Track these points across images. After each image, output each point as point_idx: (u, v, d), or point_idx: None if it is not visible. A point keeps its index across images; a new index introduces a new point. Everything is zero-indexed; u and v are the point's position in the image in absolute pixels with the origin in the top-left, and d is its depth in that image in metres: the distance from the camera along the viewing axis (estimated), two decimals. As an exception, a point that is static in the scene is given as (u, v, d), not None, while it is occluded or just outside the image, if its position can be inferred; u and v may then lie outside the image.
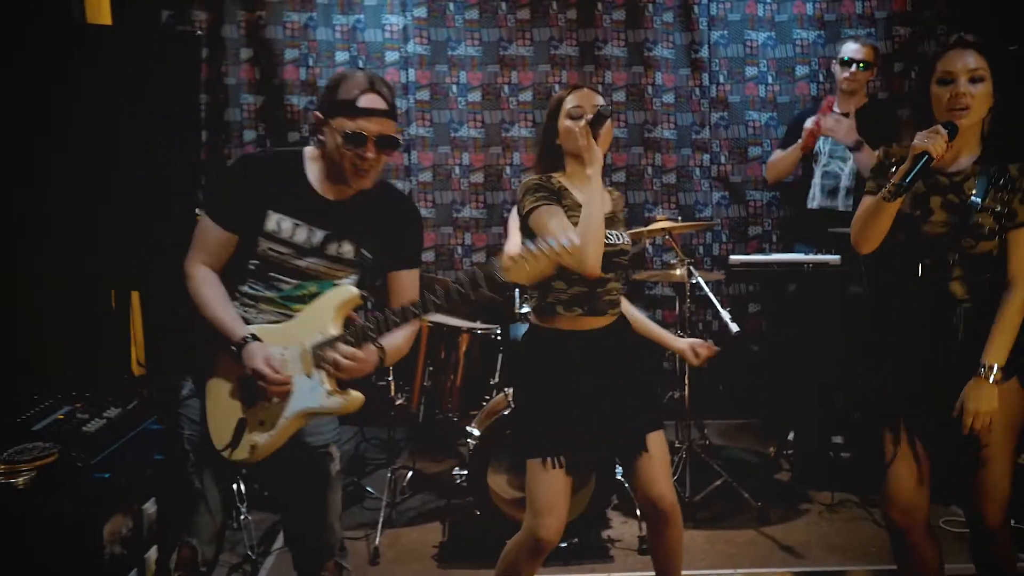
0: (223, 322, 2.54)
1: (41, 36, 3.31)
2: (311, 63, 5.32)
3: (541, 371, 2.85)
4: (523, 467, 2.87)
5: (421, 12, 5.34)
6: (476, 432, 3.82)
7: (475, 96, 5.41)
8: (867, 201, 2.65)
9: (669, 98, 5.47)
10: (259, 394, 2.49)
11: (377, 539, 3.86)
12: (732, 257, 4.38)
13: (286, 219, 2.55)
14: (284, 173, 2.58)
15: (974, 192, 2.60)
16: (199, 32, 3.27)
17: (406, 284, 2.66)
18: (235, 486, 3.96)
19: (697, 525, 4.08)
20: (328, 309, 2.48)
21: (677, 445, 4.34)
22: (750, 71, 5.47)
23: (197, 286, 2.59)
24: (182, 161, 3.34)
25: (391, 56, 5.35)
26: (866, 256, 2.70)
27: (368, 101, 2.45)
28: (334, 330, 2.45)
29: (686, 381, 4.22)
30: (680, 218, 4.89)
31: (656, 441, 2.87)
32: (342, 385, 2.47)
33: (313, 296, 2.55)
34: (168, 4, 5.16)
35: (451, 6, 5.36)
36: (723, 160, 5.53)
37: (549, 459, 2.75)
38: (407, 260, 2.68)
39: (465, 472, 3.87)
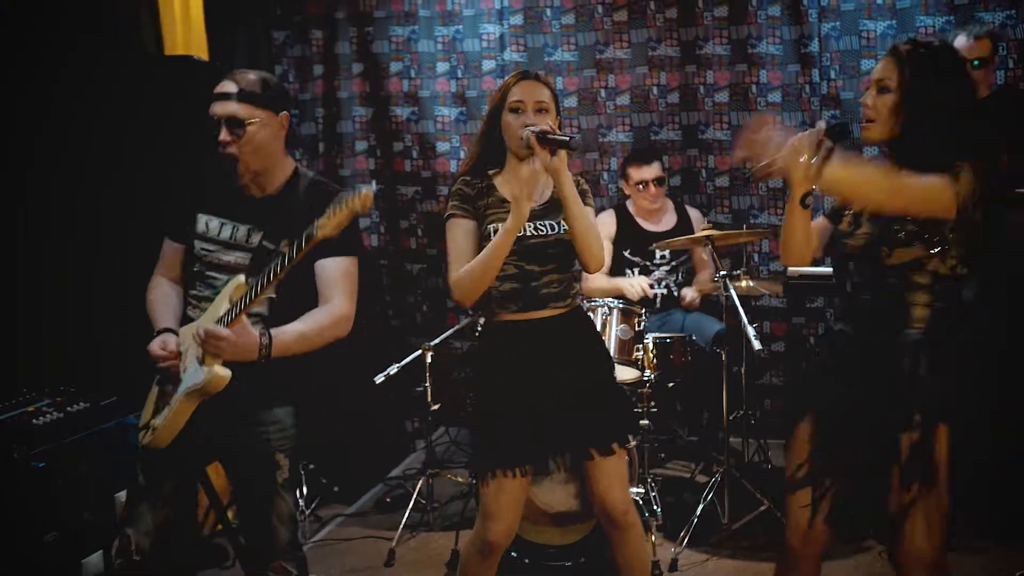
0: (153, 321, 2.78)
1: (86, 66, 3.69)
2: (413, 75, 5.49)
3: (486, 369, 2.86)
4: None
5: (518, 20, 5.36)
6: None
7: (571, 101, 5.35)
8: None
9: (775, 97, 5.13)
10: (164, 380, 2.67)
11: (395, 541, 3.95)
12: (790, 269, 4.06)
13: (213, 219, 2.74)
14: (214, 175, 2.75)
15: None
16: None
17: (330, 273, 2.67)
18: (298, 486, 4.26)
19: (733, 554, 3.84)
20: (223, 298, 2.60)
21: (715, 469, 4.08)
22: (866, 64, 5.00)
23: (147, 294, 2.85)
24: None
25: (488, 65, 5.41)
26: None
27: (220, 87, 2.63)
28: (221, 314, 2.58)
29: (723, 397, 3.97)
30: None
31: (609, 454, 2.78)
32: (230, 392, 2.56)
33: None
34: (284, 26, 5.55)
35: (548, 12, 5.33)
36: (836, 161, 5.10)
37: (494, 471, 2.74)
38: (330, 248, 2.63)
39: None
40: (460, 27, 5.42)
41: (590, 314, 3.38)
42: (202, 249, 2.75)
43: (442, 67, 5.47)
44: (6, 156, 3.46)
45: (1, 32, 3.43)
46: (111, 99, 3.54)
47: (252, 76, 2.68)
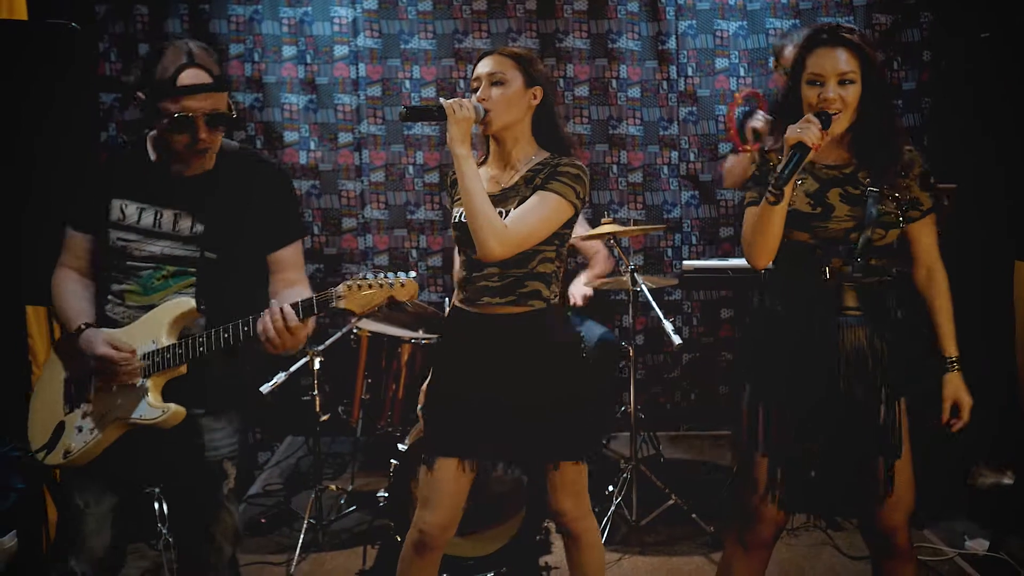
0: (65, 314, 2.45)
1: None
2: (256, 58, 5.07)
3: (438, 353, 2.76)
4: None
5: (372, 4, 5.07)
6: (403, 447, 3.54)
7: (429, 91, 5.14)
8: (751, 212, 2.45)
9: (635, 92, 5.17)
10: (83, 397, 2.42)
11: (294, 565, 3.61)
12: (686, 263, 4.09)
13: (130, 204, 2.43)
14: (129, 158, 2.46)
15: (868, 180, 2.42)
16: (73, 25, 2.96)
17: (293, 259, 2.53)
18: (156, 504, 3.79)
19: (644, 551, 3.80)
20: (164, 319, 2.37)
21: (622, 465, 4.04)
22: (720, 63, 5.15)
23: (53, 288, 2.51)
24: (71, 167, 3.06)
25: (340, 50, 5.09)
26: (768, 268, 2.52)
27: (189, 77, 2.26)
28: (166, 340, 2.34)
29: (631, 391, 3.93)
30: (632, 221, 4.61)
31: (564, 465, 2.65)
32: (166, 398, 2.36)
33: (171, 278, 2.42)
34: (105, -1, 4.96)
35: (403, -4, 5.10)
36: (692, 158, 5.22)
37: (428, 460, 2.64)
38: (284, 236, 2.51)
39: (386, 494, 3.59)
40: (309, 9, 5.06)
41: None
42: (119, 239, 2.43)
43: (288, 51, 5.08)
44: None
45: None
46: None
47: (208, 53, 2.34)
